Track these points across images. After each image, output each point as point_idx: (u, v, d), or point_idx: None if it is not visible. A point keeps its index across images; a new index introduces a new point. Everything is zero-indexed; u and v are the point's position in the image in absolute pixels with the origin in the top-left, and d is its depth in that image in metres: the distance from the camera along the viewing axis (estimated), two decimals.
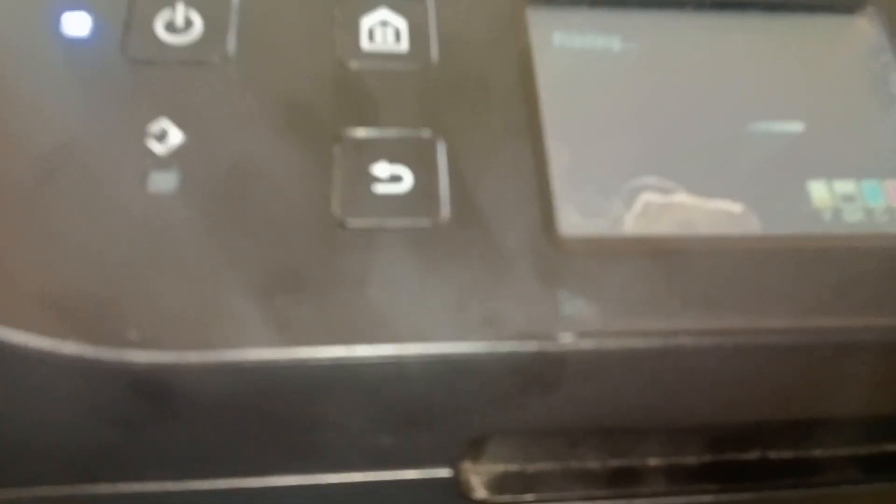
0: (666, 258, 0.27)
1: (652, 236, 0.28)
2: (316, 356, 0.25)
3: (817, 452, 0.34)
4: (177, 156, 0.28)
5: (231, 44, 0.30)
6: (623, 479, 0.33)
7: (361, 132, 0.29)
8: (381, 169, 0.28)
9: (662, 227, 0.29)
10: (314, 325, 0.25)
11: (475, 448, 0.31)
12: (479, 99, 0.30)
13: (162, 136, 0.28)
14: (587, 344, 0.26)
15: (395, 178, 0.28)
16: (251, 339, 0.25)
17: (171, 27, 0.30)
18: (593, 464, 0.33)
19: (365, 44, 0.31)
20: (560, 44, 0.33)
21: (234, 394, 0.25)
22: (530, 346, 0.26)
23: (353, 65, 0.30)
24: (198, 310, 0.25)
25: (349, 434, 0.27)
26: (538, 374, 0.26)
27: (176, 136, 0.28)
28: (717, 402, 0.28)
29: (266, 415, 0.26)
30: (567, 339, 0.26)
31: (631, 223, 0.29)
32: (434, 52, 0.31)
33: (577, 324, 0.26)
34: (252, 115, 0.28)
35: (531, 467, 0.33)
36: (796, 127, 0.32)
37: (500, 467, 0.33)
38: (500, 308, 0.26)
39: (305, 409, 0.26)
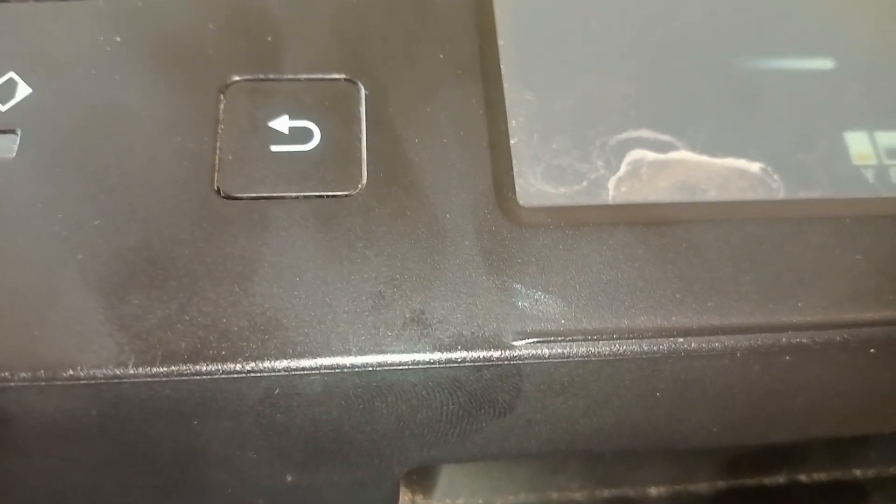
0: (659, 232, 0.20)
1: (641, 204, 0.21)
2: (178, 375, 0.18)
3: (858, 473, 0.27)
4: (20, 112, 0.21)
5: None
6: None
7: (255, 77, 0.22)
8: (280, 123, 0.21)
9: (656, 192, 0.22)
10: (178, 335, 0.18)
11: (424, 480, 0.24)
12: (413, 31, 0.23)
13: (7, 92, 0.22)
14: (550, 351, 0.19)
15: (299, 135, 0.21)
16: (94, 353, 0.18)
17: None
18: (579, 495, 0.26)
19: None
20: None
21: (80, 420, 0.19)
22: (473, 356, 0.19)
23: None
24: (30, 314, 0.18)
25: (240, 470, 0.20)
26: (486, 391, 0.19)
27: (23, 91, 0.22)
28: (729, 419, 0.21)
29: (125, 446, 0.20)
30: (522, 346, 0.19)
31: (614, 188, 0.22)
32: None
33: (536, 324, 0.19)
34: (117, 60, 0.22)
35: (500, 501, 0.26)
36: (827, 64, 0.25)
37: (459, 502, 0.26)
38: (433, 305, 0.19)
39: (173, 439, 0.19)
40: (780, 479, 0.28)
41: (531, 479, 0.26)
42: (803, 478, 0.28)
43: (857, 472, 0.28)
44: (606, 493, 0.27)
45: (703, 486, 0.27)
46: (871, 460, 0.28)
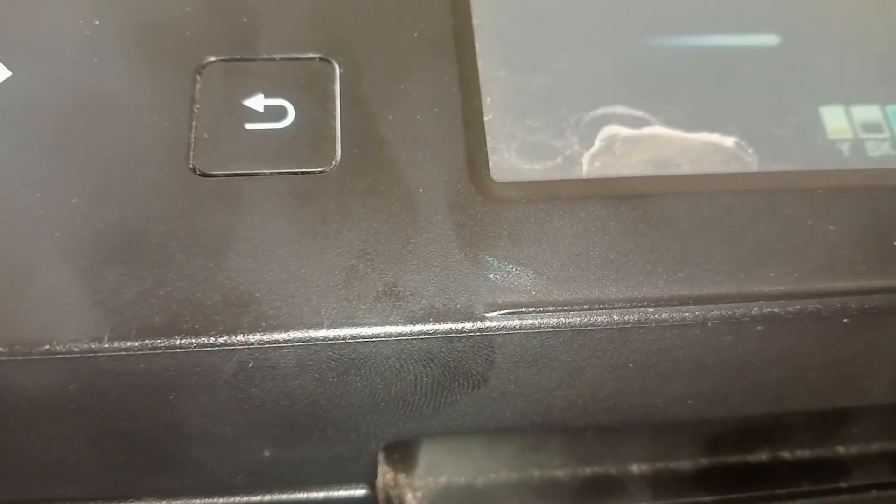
0: (631, 205, 0.21)
1: (613, 178, 0.21)
2: (153, 349, 0.18)
3: (840, 450, 0.27)
4: None
5: None
6: (599, 489, 0.26)
7: (231, 57, 0.22)
8: (255, 102, 0.21)
9: (630, 167, 0.22)
10: (152, 309, 0.19)
11: (405, 457, 0.25)
12: (387, 10, 0.23)
13: None
14: (522, 322, 0.19)
15: (274, 113, 0.21)
16: (71, 328, 0.18)
17: None
18: (561, 472, 0.26)
19: None
20: None
21: (57, 395, 0.19)
22: (446, 328, 0.19)
23: None
24: (8, 290, 0.19)
25: (218, 446, 0.21)
26: (459, 363, 0.20)
27: (2, 73, 0.22)
28: (704, 392, 0.21)
29: (103, 421, 0.20)
30: (494, 317, 0.19)
31: (588, 164, 0.22)
32: None
33: (508, 295, 0.19)
34: (95, 43, 0.22)
35: (482, 479, 0.26)
36: (803, 39, 0.25)
37: (441, 480, 0.26)
38: (405, 279, 0.19)
39: (149, 413, 0.20)
40: (763, 456, 0.28)
41: (513, 458, 0.27)
42: (786, 455, 0.28)
43: (840, 449, 0.28)
44: (588, 470, 0.27)
45: (685, 464, 0.27)
46: (853, 437, 0.28)
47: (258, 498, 0.23)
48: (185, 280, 0.19)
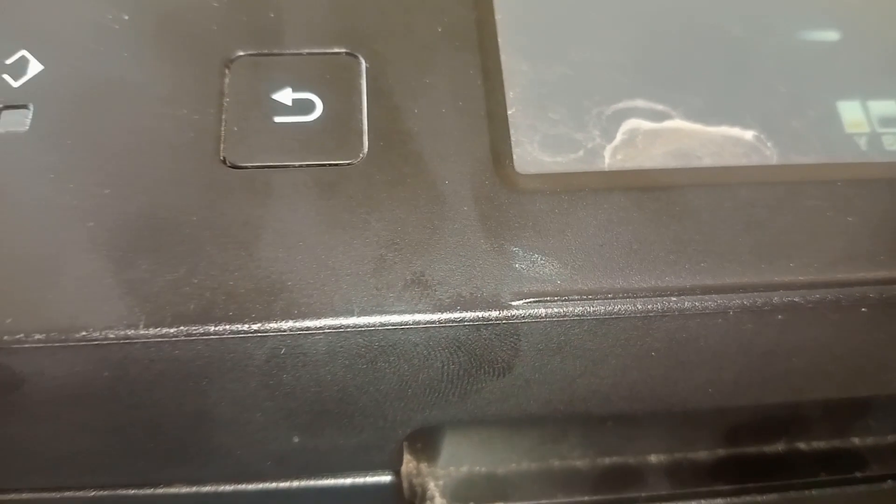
0: (654, 197, 0.21)
1: (636, 170, 0.22)
2: (187, 335, 0.19)
3: (856, 442, 0.28)
4: (32, 88, 0.22)
5: None
6: (617, 480, 0.27)
7: (259, 52, 0.22)
8: (283, 96, 0.22)
9: (651, 159, 0.22)
10: (186, 297, 0.19)
11: (428, 447, 0.25)
12: (411, 5, 0.23)
13: (20, 69, 0.22)
14: (547, 311, 0.20)
15: (302, 106, 0.22)
16: (106, 315, 0.19)
17: None
18: (581, 463, 0.27)
19: None
20: None
21: (91, 382, 0.19)
22: (472, 316, 0.19)
23: None
24: (43, 279, 0.19)
25: (248, 433, 0.21)
26: (485, 351, 0.20)
27: (35, 67, 0.22)
28: (725, 380, 0.22)
29: (135, 409, 0.20)
30: (519, 305, 0.20)
31: (610, 156, 0.22)
32: None
33: (534, 284, 0.20)
34: (125, 37, 0.22)
35: (503, 469, 0.26)
36: (821, 34, 0.25)
37: (463, 470, 0.26)
38: (432, 268, 0.20)
39: (181, 400, 0.20)
40: (780, 447, 0.28)
41: (533, 448, 0.27)
42: (802, 446, 0.28)
43: (856, 441, 0.28)
44: (607, 460, 0.27)
45: (702, 454, 0.27)
46: (869, 429, 0.28)
47: (286, 484, 0.23)
48: (217, 269, 0.20)
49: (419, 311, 0.19)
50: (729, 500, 0.26)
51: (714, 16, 0.25)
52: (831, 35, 0.25)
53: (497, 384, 0.21)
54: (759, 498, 0.26)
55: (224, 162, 0.21)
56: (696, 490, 0.27)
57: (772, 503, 0.27)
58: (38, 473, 0.23)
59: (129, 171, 0.21)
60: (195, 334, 0.19)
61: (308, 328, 0.19)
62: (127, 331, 0.19)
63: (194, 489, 0.23)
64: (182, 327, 0.19)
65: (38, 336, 0.19)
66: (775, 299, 0.20)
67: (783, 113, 0.24)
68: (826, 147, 0.23)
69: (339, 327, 0.19)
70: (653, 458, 0.27)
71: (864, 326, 0.22)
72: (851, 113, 0.24)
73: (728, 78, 0.24)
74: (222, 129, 0.21)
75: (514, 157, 0.22)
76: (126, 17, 0.23)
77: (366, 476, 0.23)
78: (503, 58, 0.23)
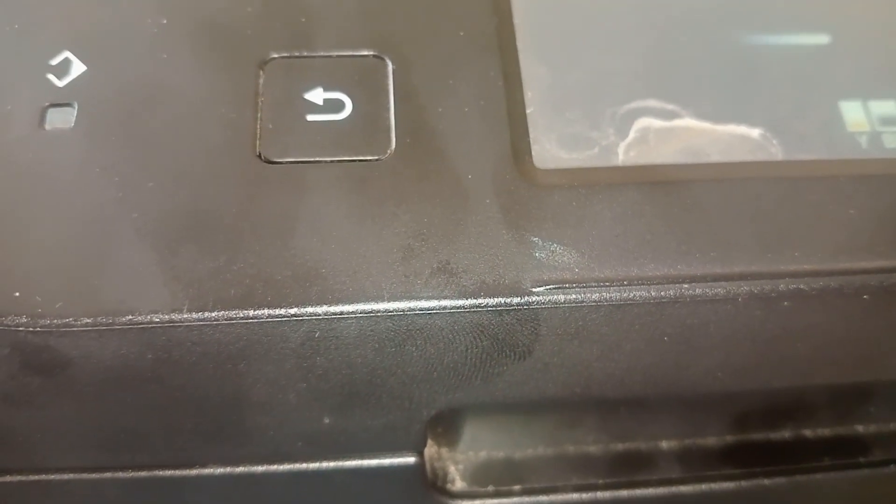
0: (665, 191, 0.22)
1: (649, 166, 0.23)
2: (228, 319, 0.20)
3: (859, 429, 0.29)
4: (76, 88, 0.23)
5: None
6: (629, 465, 0.28)
7: (291, 55, 0.24)
8: (315, 95, 0.23)
9: (663, 156, 0.24)
10: (227, 283, 0.20)
11: (449, 432, 0.26)
12: (435, 11, 0.25)
13: (64, 69, 0.24)
14: (566, 297, 0.21)
15: (332, 106, 0.23)
16: (151, 300, 0.20)
17: None
18: (594, 448, 0.28)
19: None
20: None
21: (134, 364, 0.21)
22: (495, 301, 0.21)
23: None
24: (90, 266, 0.20)
25: (281, 413, 0.22)
26: (507, 335, 0.21)
27: (78, 68, 0.24)
28: (734, 366, 0.23)
29: (175, 390, 0.21)
30: (540, 292, 0.21)
31: (623, 153, 0.24)
32: None
33: (553, 272, 0.21)
34: (164, 40, 0.24)
35: (520, 453, 0.28)
36: (823, 39, 0.27)
37: (482, 454, 0.27)
38: (457, 256, 0.21)
39: (220, 382, 0.21)
40: (786, 434, 0.29)
41: (549, 434, 0.28)
42: (808, 433, 0.29)
43: (860, 428, 0.29)
44: (620, 446, 0.28)
45: (711, 440, 0.29)
46: (872, 416, 0.29)
47: (316, 465, 0.24)
48: (255, 257, 0.21)
49: (445, 297, 0.21)
50: (737, 483, 0.27)
51: (723, 22, 0.26)
52: (834, 39, 0.27)
53: (518, 367, 0.22)
54: (766, 482, 0.28)
55: (260, 157, 0.22)
56: (705, 474, 0.28)
57: (778, 487, 0.28)
58: (78, 453, 0.24)
59: (171, 166, 0.22)
60: (235, 318, 0.20)
61: (341, 312, 0.20)
62: (171, 315, 0.20)
63: (228, 469, 0.24)
64: (223, 311, 0.20)
65: (86, 320, 0.20)
66: (781, 287, 0.21)
67: (788, 112, 0.25)
68: (829, 145, 0.25)
69: (370, 312, 0.21)
70: (664, 444, 0.28)
71: (866, 313, 0.23)
72: (853, 113, 0.26)
73: (735, 79, 0.25)
74: (258, 126, 0.23)
75: (533, 153, 0.23)
76: (164, 21, 0.24)
77: (392, 457, 0.25)
78: (522, 61, 0.25)
